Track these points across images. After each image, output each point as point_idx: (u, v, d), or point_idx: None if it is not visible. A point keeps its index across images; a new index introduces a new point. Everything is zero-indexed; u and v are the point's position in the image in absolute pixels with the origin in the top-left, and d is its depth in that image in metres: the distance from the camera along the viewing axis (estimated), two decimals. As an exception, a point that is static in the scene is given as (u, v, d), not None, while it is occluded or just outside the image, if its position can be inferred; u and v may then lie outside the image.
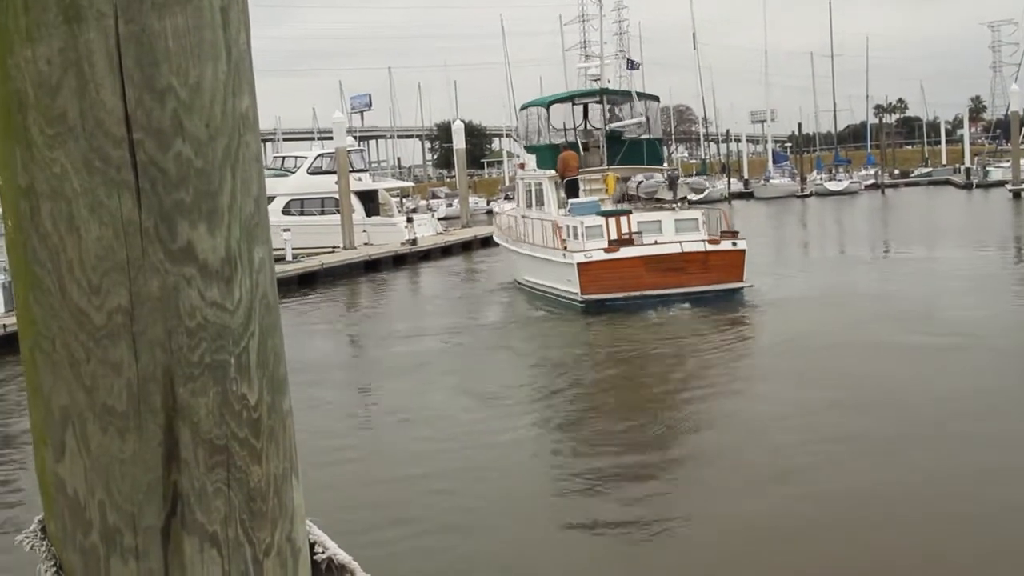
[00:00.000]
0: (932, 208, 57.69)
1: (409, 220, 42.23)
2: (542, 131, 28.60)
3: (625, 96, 29.53)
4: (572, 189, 25.94)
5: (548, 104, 29.24)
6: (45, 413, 1.22)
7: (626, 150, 26.85)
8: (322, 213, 43.95)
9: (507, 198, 45.42)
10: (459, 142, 55.75)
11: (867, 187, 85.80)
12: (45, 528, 1.27)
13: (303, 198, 44.47)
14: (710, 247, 22.56)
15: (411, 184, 75.33)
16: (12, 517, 9.99)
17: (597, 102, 28.59)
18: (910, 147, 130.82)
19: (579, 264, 22.14)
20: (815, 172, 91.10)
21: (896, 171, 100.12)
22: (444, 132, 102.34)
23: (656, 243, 22.58)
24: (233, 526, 1.24)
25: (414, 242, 40.26)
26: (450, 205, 66.40)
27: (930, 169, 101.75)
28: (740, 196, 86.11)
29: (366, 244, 41.03)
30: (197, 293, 1.20)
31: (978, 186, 74.77)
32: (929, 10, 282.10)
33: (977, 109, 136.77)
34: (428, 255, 40.22)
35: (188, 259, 1.19)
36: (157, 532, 1.21)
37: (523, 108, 31.88)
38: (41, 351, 1.21)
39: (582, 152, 27.03)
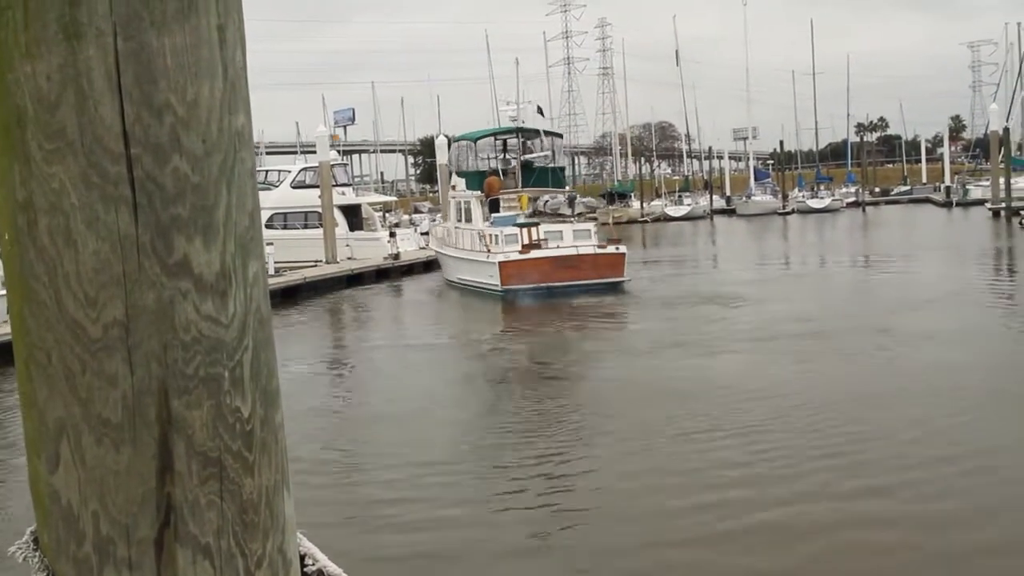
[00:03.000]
0: (912, 225, 58.08)
1: (392, 234, 42.17)
2: (470, 160, 35.75)
3: (536, 133, 36.93)
4: (495, 206, 32.85)
5: (476, 139, 36.56)
6: (39, 424, 1.23)
7: (536, 176, 34.30)
8: (305, 227, 43.81)
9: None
10: (442, 157, 55.73)
11: (848, 205, 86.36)
12: (37, 539, 1.27)
13: (286, 212, 44.32)
14: (599, 250, 29.06)
15: (394, 199, 75.31)
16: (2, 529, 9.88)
17: (514, 138, 36.13)
18: (891, 165, 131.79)
19: (500, 263, 28.48)
20: (796, 189, 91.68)
21: (877, 189, 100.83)
22: (427, 147, 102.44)
23: (558, 247, 29.05)
24: (226, 538, 1.25)
25: (397, 256, 40.19)
26: (433, 220, 66.28)
27: (908, 187, 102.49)
28: (722, 213, 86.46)
29: (349, 258, 40.94)
30: (192, 307, 1.21)
31: (958, 204, 75.39)
32: (910, 30, 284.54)
33: (957, 128, 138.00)
34: (411, 269, 40.15)
35: (184, 273, 1.20)
36: (150, 543, 1.22)
37: (455, 140, 39.30)
38: (36, 363, 1.22)
39: (502, 177, 33.87)
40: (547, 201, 33.13)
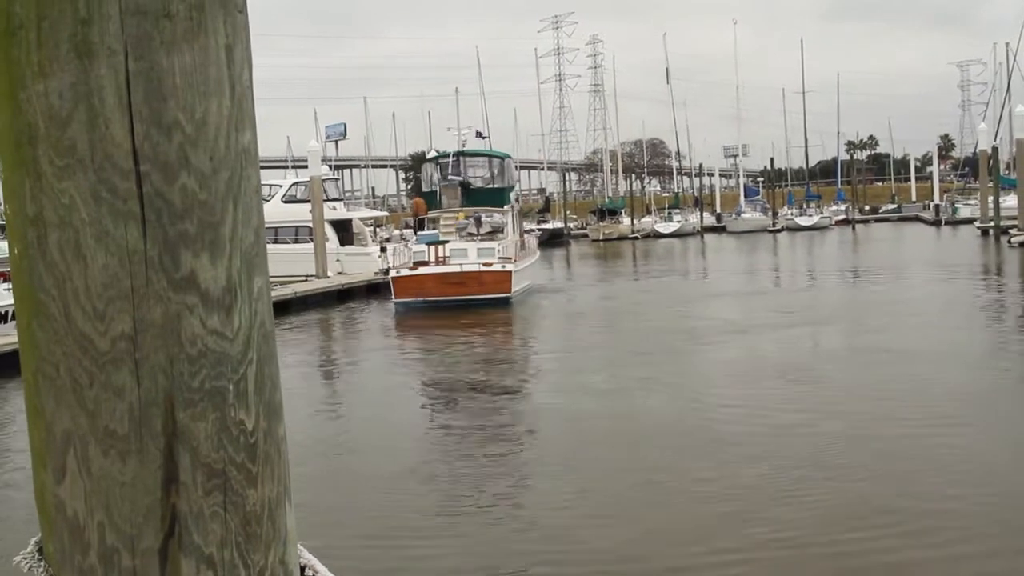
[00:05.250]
0: (903, 243, 58.30)
1: (383, 249, 42.14)
2: (429, 181, 39.27)
3: (476, 156, 40.19)
4: (421, 225, 36.38)
5: (422, 163, 40.56)
6: (46, 436, 1.25)
7: (476, 195, 36.80)
8: (296, 241, 43.80)
9: None
10: (432, 173, 55.77)
11: (837, 222, 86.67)
12: (42, 549, 1.29)
13: (277, 226, 44.19)
14: (483, 268, 30.99)
15: (385, 213, 75.26)
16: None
17: (456, 161, 38.29)
18: (880, 183, 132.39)
19: (392, 278, 31.54)
20: (786, 207, 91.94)
21: (866, 207, 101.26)
22: (418, 162, 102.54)
23: (446, 264, 31.37)
24: (229, 549, 1.27)
25: (387, 271, 40.19)
26: (424, 235, 66.20)
27: (896, 205, 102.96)
28: (712, 230, 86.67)
29: (340, 273, 40.91)
30: (199, 321, 1.23)
31: (947, 223, 75.70)
32: (900, 49, 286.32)
33: (946, 147, 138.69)
34: (401, 285, 40.08)
35: (190, 288, 1.23)
36: (155, 554, 1.23)
37: (424, 163, 42.56)
38: (44, 375, 1.24)
39: (441, 197, 36.59)
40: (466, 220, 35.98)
